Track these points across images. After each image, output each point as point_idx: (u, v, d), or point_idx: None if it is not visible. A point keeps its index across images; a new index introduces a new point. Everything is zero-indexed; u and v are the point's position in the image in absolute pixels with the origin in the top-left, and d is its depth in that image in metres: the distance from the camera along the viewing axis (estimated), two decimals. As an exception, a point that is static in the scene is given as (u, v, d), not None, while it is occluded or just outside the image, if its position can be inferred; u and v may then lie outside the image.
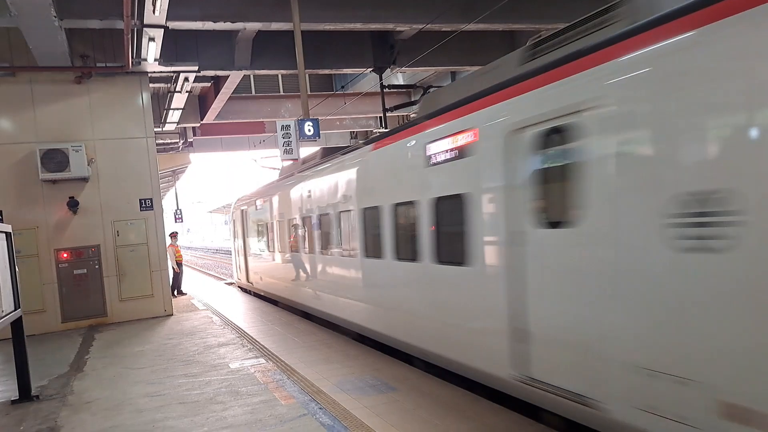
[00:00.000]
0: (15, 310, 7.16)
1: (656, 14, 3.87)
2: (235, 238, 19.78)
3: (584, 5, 13.85)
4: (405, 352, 7.65)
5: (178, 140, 22.67)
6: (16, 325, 7.28)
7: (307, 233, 11.47)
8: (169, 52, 12.77)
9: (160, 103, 17.74)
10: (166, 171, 25.72)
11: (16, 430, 6.16)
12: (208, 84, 17.96)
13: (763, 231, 3.08)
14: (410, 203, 6.98)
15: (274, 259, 14.34)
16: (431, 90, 8.52)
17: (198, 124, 21.02)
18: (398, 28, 13.78)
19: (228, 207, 21.30)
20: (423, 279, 6.82)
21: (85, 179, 12.52)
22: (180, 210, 35.69)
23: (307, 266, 11.68)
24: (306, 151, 13.73)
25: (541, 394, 4.82)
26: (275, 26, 12.45)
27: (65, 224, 12.53)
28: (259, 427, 5.54)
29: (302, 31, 11.51)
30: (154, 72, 13.29)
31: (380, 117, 19.99)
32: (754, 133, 3.14)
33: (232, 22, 12.00)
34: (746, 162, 3.17)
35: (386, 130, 8.12)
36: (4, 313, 6.66)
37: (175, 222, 33.66)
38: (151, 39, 10.98)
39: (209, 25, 11.99)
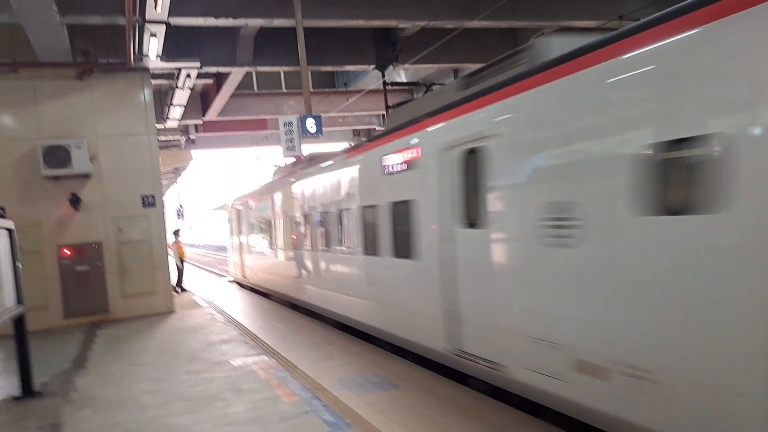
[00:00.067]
0: (17, 306, 7.17)
1: (539, 62, 5.00)
2: (231, 235, 20.84)
3: (584, 4, 13.92)
4: (369, 334, 8.79)
5: (180, 137, 22.65)
6: (19, 322, 7.28)
7: (293, 232, 12.58)
8: (170, 48, 12.73)
9: (162, 100, 17.70)
10: (168, 168, 25.72)
11: (19, 427, 6.16)
12: (211, 81, 17.93)
13: (593, 232, 4.29)
14: (373, 206, 8.14)
15: (265, 255, 15.45)
16: (400, 105, 9.29)
17: (200, 121, 20.99)
18: (400, 26, 13.75)
19: (226, 206, 21.92)
20: (383, 270, 7.99)
21: (87, 176, 12.51)
22: (182, 207, 35.72)
23: (292, 262, 12.79)
24: (307, 148, 13.78)
25: (470, 364, 5.99)
26: (277, 23, 12.41)
27: (67, 221, 12.52)
28: (262, 424, 5.53)
29: (305, 28, 11.48)
30: (156, 68, 13.27)
31: (382, 114, 19.95)
32: (585, 160, 4.39)
33: (234, 18, 11.96)
34: (582, 181, 4.40)
35: (354, 144, 9.83)
36: (6, 310, 6.66)
37: (177, 219, 33.68)
38: (153, 35, 10.96)
39: (211, 21, 11.96)
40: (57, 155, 11.93)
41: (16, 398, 7.17)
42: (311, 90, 13.57)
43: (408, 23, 13.33)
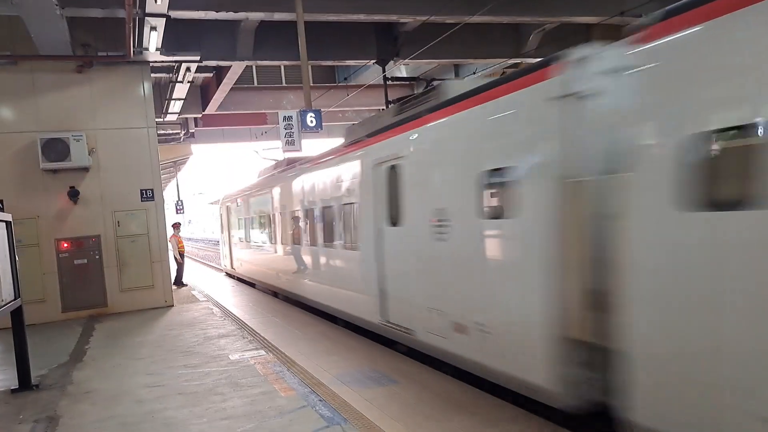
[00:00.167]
0: (15, 299, 7.15)
1: (441, 100, 6.63)
2: (221, 230, 22.38)
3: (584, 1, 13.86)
4: (327, 313, 10.51)
5: (179, 131, 22.60)
6: (16, 315, 7.27)
7: (269, 229, 14.35)
8: (170, 41, 12.67)
9: (162, 93, 17.65)
10: (168, 162, 25.66)
11: (16, 419, 6.15)
12: (210, 74, 17.88)
13: (456, 232, 6.00)
14: (330, 207, 9.86)
15: (249, 249, 17.24)
16: (355, 124, 10.42)
17: (200, 115, 20.95)
18: (402, 20, 13.69)
19: (218, 201, 22.56)
20: (337, 260, 9.87)
21: (85, 169, 12.48)
22: (181, 201, 35.70)
23: (270, 255, 14.54)
24: (307, 143, 13.79)
25: (394, 331, 7.61)
26: (278, 16, 12.36)
27: (66, 214, 12.49)
28: (259, 418, 5.52)
29: (305, 22, 11.42)
30: (156, 61, 13.21)
31: (383, 109, 19.89)
32: (451, 179, 6.14)
33: (235, 12, 11.92)
34: (450, 194, 6.14)
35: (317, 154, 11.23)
36: (4, 303, 6.65)
37: (177, 213, 33.67)
38: (153, 28, 10.91)
39: (212, 15, 11.91)
40: (56, 148, 11.89)
41: (13, 391, 7.16)
42: (311, 84, 13.52)
43: (409, 18, 13.27)
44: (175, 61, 13.63)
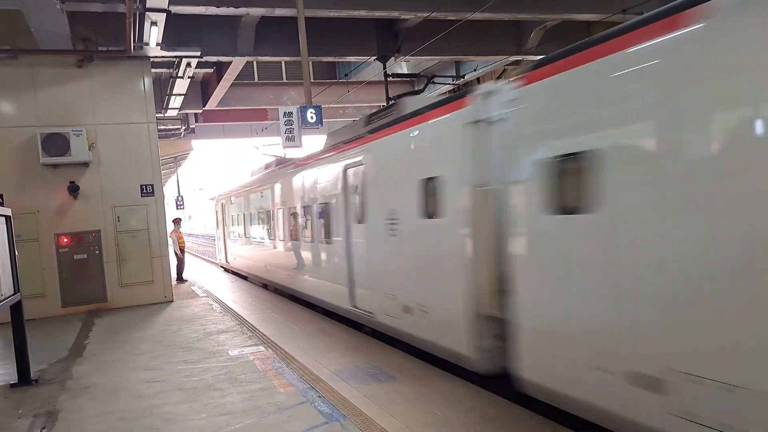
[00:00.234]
0: (14, 294, 7.16)
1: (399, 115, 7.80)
2: (217, 227, 23.38)
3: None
4: (307, 301, 11.78)
5: (179, 126, 22.57)
6: (16, 309, 7.28)
7: (258, 225, 15.42)
8: (171, 36, 12.66)
9: (162, 89, 17.63)
10: (168, 157, 25.64)
11: (15, 414, 6.16)
12: (211, 70, 17.85)
13: (404, 229, 7.16)
14: (310, 206, 10.95)
15: (241, 244, 18.26)
16: (336, 131, 11.06)
17: (200, 111, 20.92)
18: (403, 16, 13.67)
19: (215, 198, 23.03)
20: (317, 252, 10.89)
21: (85, 164, 12.47)
22: (181, 197, 35.69)
23: (259, 250, 15.68)
24: (307, 139, 13.75)
25: (360, 314, 8.75)
26: (279, 12, 12.34)
27: (66, 209, 12.49)
28: (258, 414, 5.53)
29: (306, 18, 11.39)
30: (156, 57, 13.18)
31: (383, 106, 19.86)
32: (398, 183, 7.29)
33: (236, 7, 11.89)
34: (398, 196, 7.28)
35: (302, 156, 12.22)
36: (3, 297, 6.66)
37: (177, 209, 33.67)
38: (153, 23, 10.89)
39: (212, 10, 11.89)
40: (56, 143, 11.88)
41: (13, 385, 7.17)
42: (312, 80, 13.50)
43: (410, 14, 13.25)
44: (176, 57, 13.59)
